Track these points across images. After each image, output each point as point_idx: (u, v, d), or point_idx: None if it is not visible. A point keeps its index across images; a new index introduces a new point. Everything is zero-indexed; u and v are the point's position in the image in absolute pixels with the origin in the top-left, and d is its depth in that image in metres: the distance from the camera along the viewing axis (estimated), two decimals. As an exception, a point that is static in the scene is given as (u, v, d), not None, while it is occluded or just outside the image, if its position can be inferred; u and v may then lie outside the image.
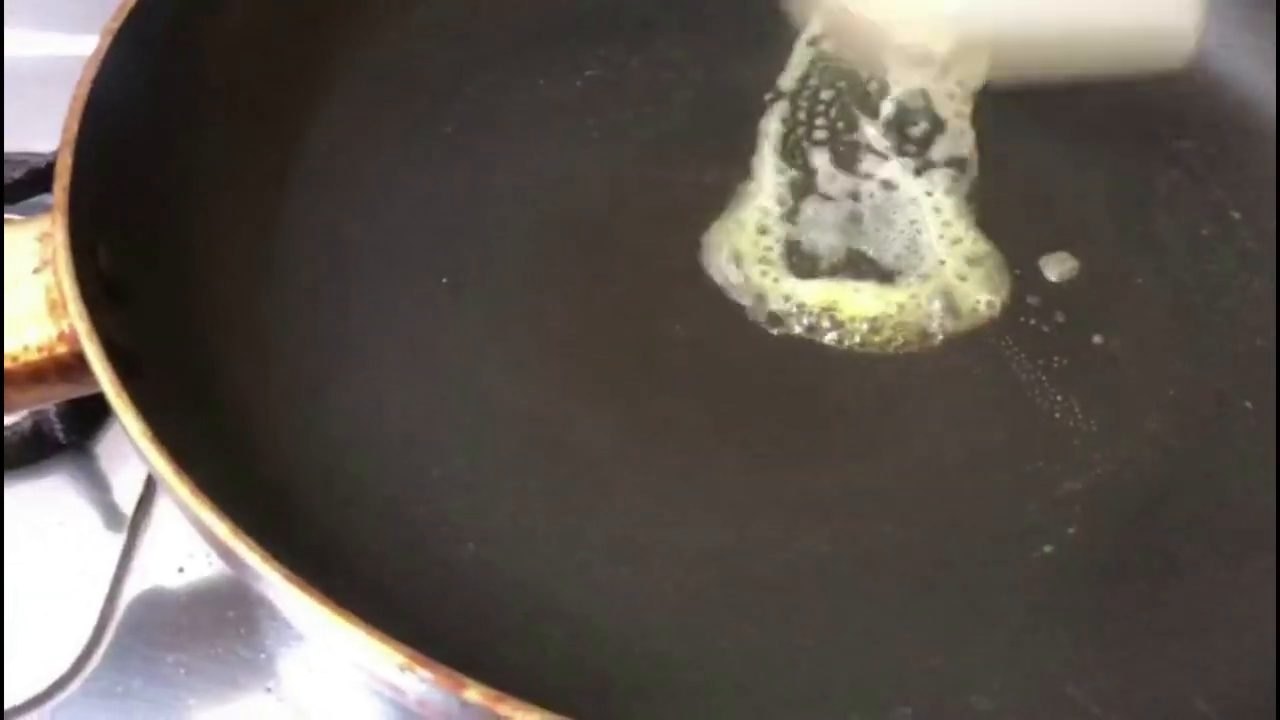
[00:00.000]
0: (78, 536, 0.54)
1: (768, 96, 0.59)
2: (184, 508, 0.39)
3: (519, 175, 0.57)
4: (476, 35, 0.61)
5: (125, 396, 0.41)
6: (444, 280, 0.53)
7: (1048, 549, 0.47)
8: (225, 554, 0.38)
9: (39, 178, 0.60)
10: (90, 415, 0.55)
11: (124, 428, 0.41)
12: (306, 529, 0.46)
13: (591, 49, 0.61)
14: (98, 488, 0.55)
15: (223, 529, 0.38)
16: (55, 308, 0.44)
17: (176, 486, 0.39)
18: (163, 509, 0.54)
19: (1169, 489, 0.49)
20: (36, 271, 0.45)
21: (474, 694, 0.34)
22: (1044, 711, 0.43)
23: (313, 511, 0.46)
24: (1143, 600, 0.46)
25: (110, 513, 0.54)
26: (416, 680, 0.35)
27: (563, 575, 0.46)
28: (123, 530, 0.54)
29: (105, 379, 0.41)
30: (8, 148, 0.62)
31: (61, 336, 0.44)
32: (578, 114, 0.59)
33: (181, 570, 0.52)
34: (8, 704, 0.49)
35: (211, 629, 0.51)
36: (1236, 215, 0.56)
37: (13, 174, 0.61)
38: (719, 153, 0.57)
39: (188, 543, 0.52)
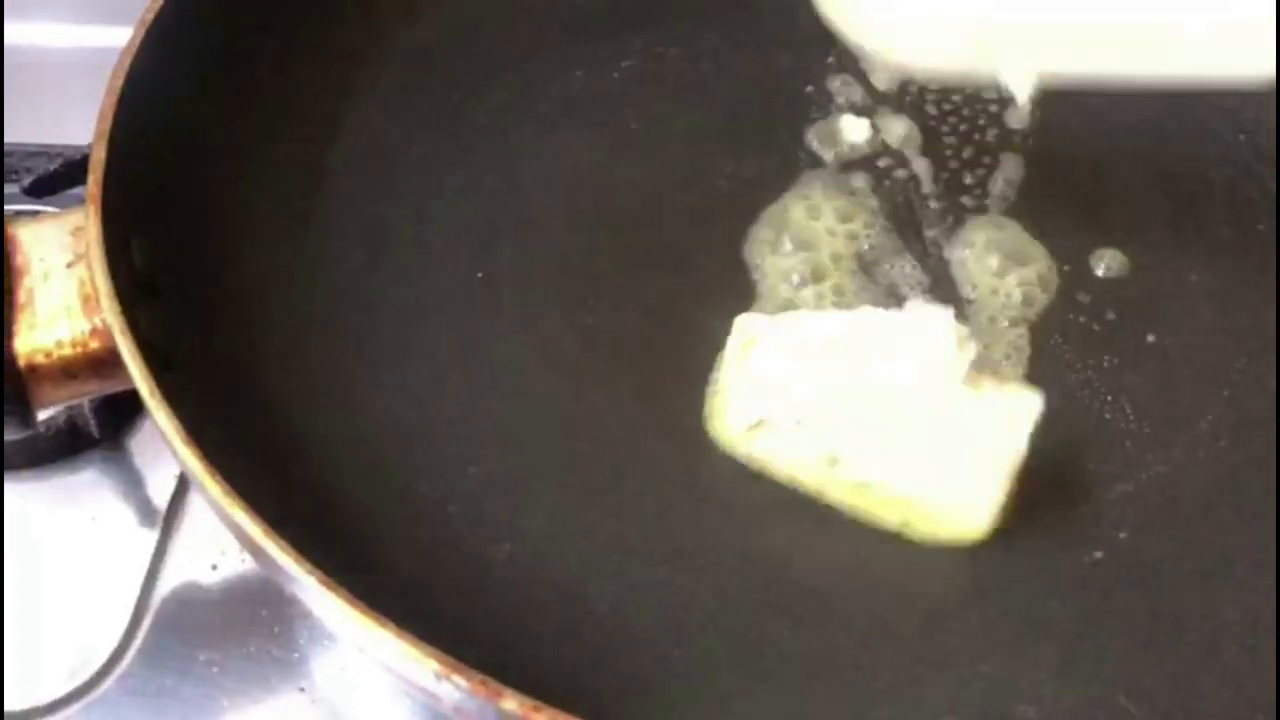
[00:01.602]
0: (111, 533, 0.53)
1: (809, 89, 0.58)
2: (216, 507, 0.38)
3: (556, 167, 0.56)
4: (513, 26, 0.60)
5: (159, 393, 0.40)
6: (479, 275, 0.53)
7: (1098, 554, 0.46)
8: (258, 554, 0.38)
9: (74, 170, 0.60)
10: (124, 411, 0.55)
11: (157, 425, 0.40)
12: (340, 527, 0.45)
13: (630, 40, 0.60)
14: (132, 483, 0.55)
15: (255, 529, 0.37)
16: (88, 302, 0.44)
17: (209, 485, 0.38)
18: (197, 505, 0.53)
19: (1223, 491, 0.47)
20: (70, 266, 0.45)
21: (510, 703, 0.34)
22: (1095, 722, 0.42)
23: (346, 510, 0.46)
24: (1197, 607, 0.45)
25: (144, 509, 0.54)
26: (452, 688, 0.34)
27: (599, 576, 0.45)
28: (156, 526, 0.53)
29: (139, 375, 0.41)
30: (45, 140, 0.62)
31: (94, 332, 0.43)
32: (616, 105, 0.58)
33: (215, 567, 0.52)
34: (42, 700, 0.49)
35: (245, 627, 0.50)
36: (1293, 211, 0.54)
37: (49, 166, 0.61)
38: (758, 145, 0.56)
39: (221, 540, 0.52)
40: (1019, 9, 0.43)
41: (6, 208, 0.60)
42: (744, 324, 0.47)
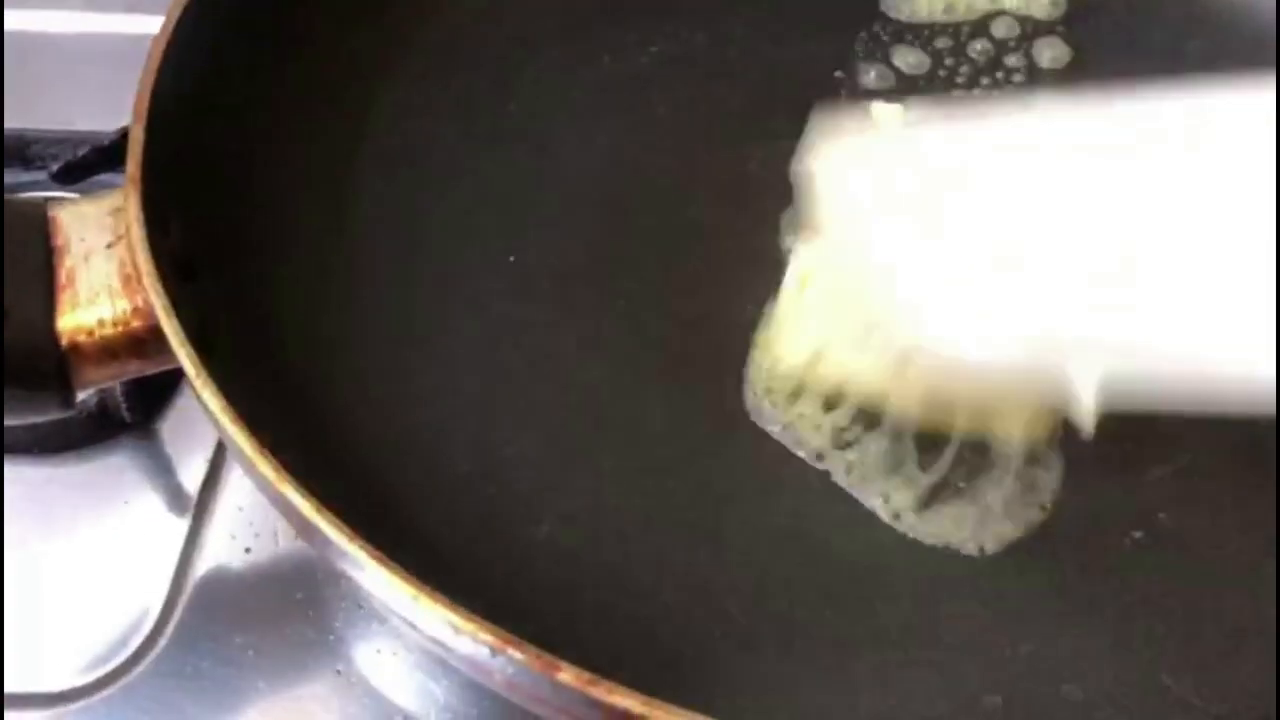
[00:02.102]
0: (144, 516, 0.53)
1: (838, 73, 0.58)
2: (265, 486, 0.38)
3: (585, 153, 0.56)
4: (542, 11, 0.60)
5: (205, 372, 0.40)
6: (511, 259, 0.53)
7: (1137, 534, 0.46)
8: (308, 532, 0.38)
9: (102, 157, 0.59)
10: (156, 394, 0.55)
11: (203, 405, 0.40)
12: (379, 507, 0.45)
13: (658, 25, 0.59)
14: (163, 468, 0.54)
15: (306, 507, 0.37)
16: (129, 282, 0.44)
17: (260, 464, 0.38)
18: (230, 488, 0.53)
19: (1262, 472, 0.47)
20: (110, 246, 0.44)
21: (567, 675, 0.34)
22: (1140, 702, 0.42)
23: (385, 490, 0.46)
24: (1238, 587, 0.45)
25: (176, 493, 0.54)
26: (506, 662, 0.34)
27: (638, 557, 0.45)
28: (189, 510, 0.53)
29: (184, 354, 0.41)
30: (73, 126, 0.61)
31: (135, 311, 0.43)
32: (644, 91, 0.58)
33: (248, 551, 0.52)
34: (77, 683, 0.49)
35: (279, 610, 0.50)
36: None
37: (76, 153, 0.60)
38: (789, 130, 0.56)
39: (255, 523, 0.52)
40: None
41: (36, 194, 0.60)
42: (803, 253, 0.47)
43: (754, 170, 0.55)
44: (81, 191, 0.61)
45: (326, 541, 0.37)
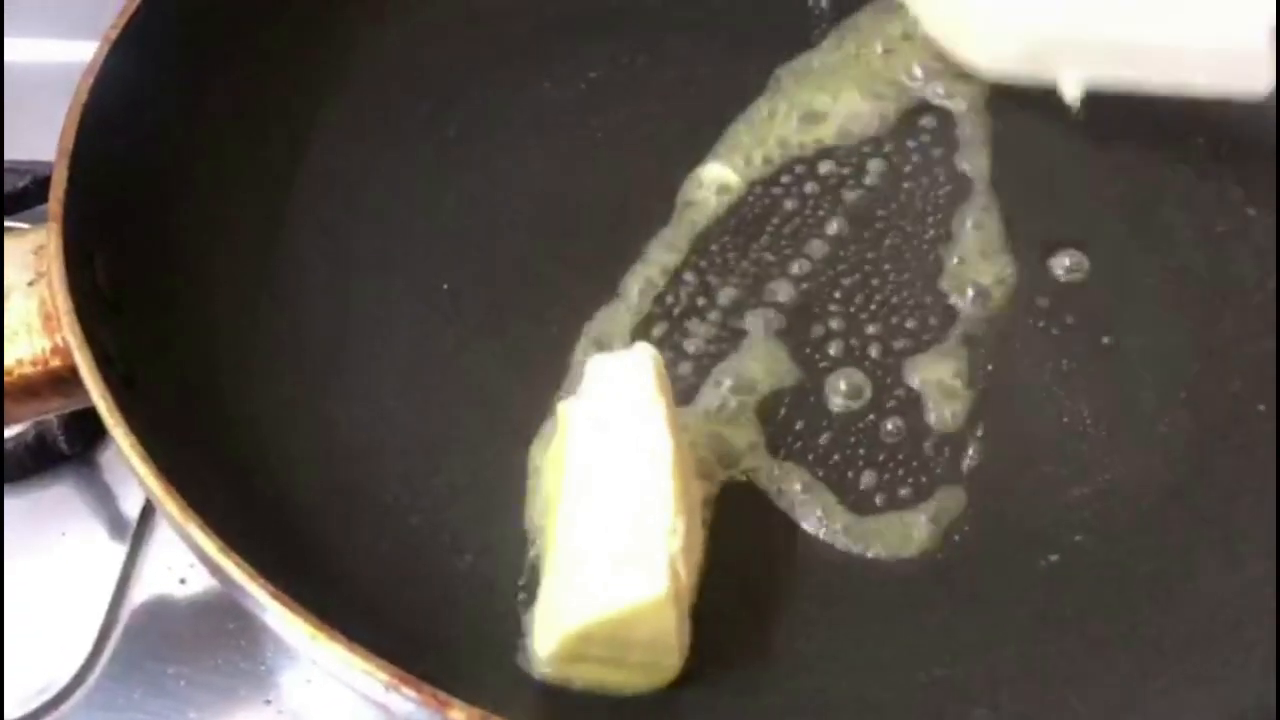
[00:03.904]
0: (81, 547, 0.54)
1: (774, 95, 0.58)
2: (173, 522, 0.39)
3: (523, 178, 0.56)
4: (480, 37, 0.60)
5: (117, 410, 0.41)
6: (445, 286, 0.53)
7: (1054, 557, 0.46)
8: (213, 569, 0.38)
9: (42, 188, 0.60)
10: (94, 426, 0.55)
11: (115, 441, 0.40)
12: (303, 541, 0.46)
13: (598, 49, 0.60)
14: (101, 498, 0.55)
15: (210, 545, 0.38)
16: (49, 320, 0.44)
17: (165, 501, 0.39)
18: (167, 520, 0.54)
19: (1180, 494, 0.48)
20: (31, 284, 0.45)
21: (458, 713, 0.34)
22: (1048, 725, 0.42)
23: (310, 523, 0.46)
24: (1152, 609, 0.45)
25: (114, 523, 0.54)
26: (401, 699, 0.34)
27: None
28: (126, 541, 0.53)
29: (97, 393, 0.41)
30: (14, 156, 0.62)
31: (55, 350, 0.44)
32: (582, 115, 0.58)
33: (184, 581, 0.52)
34: (10, 715, 0.49)
35: (213, 640, 0.50)
36: (1251, 212, 0.55)
37: (18, 183, 0.61)
38: (727, 150, 0.57)
39: (190, 554, 0.52)
40: (1066, 27, 0.53)
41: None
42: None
43: (692, 195, 0.55)
44: (28, 220, 0.62)
45: (229, 579, 0.37)
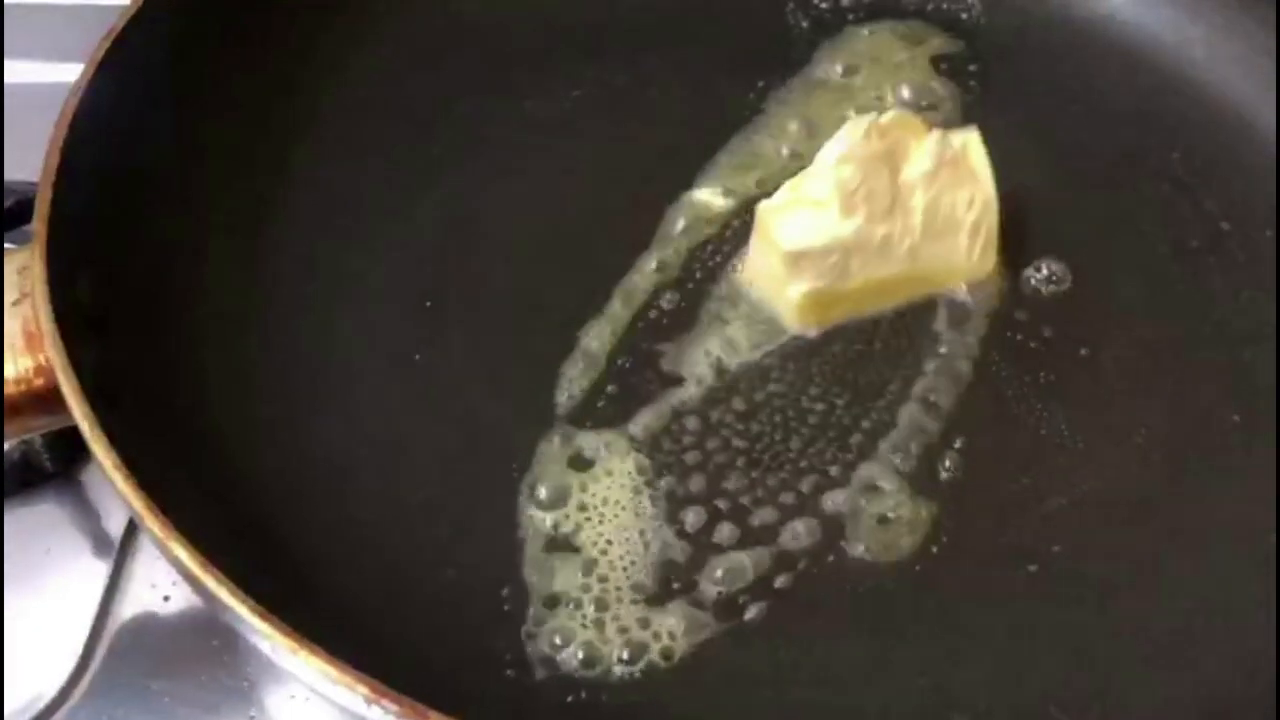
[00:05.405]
0: (65, 564, 0.54)
1: (756, 115, 0.59)
2: (155, 540, 0.39)
3: (505, 198, 0.56)
4: (462, 57, 0.61)
5: (100, 429, 0.41)
6: (428, 304, 0.53)
7: (1032, 568, 0.46)
8: (196, 586, 0.38)
9: (29, 207, 0.60)
10: (78, 444, 0.55)
11: (97, 460, 0.41)
12: (286, 557, 0.46)
13: (580, 69, 0.60)
14: (85, 516, 0.55)
15: (192, 562, 0.38)
16: (33, 340, 0.44)
17: (148, 519, 0.39)
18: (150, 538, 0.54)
19: (1157, 505, 0.48)
20: (15, 304, 0.45)
21: (438, 726, 0.34)
22: (1027, 734, 0.43)
23: (293, 540, 0.46)
24: (1130, 619, 0.46)
25: (98, 541, 0.54)
26: (382, 712, 0.35)
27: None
28: (110, 558, 0.54)
29: (79, 412, 0.41)
30: (8, 175, 0.62)
31: (38, 369, 0.44)
32: (564, 134, 0.58)
33: (167, 599, 0.52)
34: (-6, 733, 0.49)
35: (196, 657, 0.51)
36: (1226, 226, 0.55)
37: (7, 203, 0.61)
38: (709, 169, 0.57)
39: (173, 571, 0.52)
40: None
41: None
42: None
43: (674, 215, 0.56)
44: (17, 240, 0.62)
45: (211, 596, 0.37)
